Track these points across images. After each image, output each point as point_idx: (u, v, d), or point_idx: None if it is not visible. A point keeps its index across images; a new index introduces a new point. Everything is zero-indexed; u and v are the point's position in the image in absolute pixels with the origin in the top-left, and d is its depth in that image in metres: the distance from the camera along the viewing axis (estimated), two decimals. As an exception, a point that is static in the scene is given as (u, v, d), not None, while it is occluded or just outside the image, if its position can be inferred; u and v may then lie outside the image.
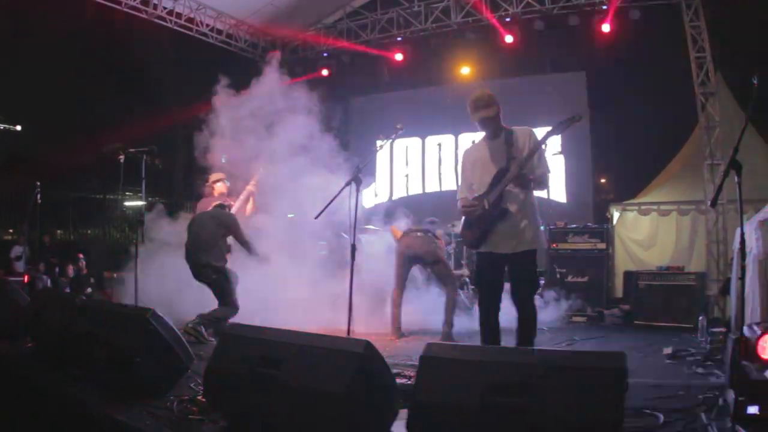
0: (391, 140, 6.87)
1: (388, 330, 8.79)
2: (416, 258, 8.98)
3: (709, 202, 11.22)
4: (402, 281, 8.99)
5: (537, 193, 5.53)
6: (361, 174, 5.72)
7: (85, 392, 4.77)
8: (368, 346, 3.50)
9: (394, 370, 5.07)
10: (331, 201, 5.99)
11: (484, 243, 5.32)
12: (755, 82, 3.96)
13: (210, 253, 7.80)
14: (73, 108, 16.33)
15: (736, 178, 3.83)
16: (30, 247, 12.18)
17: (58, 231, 13.11)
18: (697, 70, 11.78)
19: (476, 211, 5.32)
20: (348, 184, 5.72)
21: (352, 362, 3.44)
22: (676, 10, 12.02)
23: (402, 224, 9.44)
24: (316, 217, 6.20)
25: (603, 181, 15.23)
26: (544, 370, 3.07)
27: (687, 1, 11.85)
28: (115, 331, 4.96)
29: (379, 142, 6.76)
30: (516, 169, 5.12)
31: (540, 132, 5.31)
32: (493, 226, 5.26)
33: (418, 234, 8.98)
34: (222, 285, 7.80)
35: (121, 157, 7.74)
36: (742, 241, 3.82)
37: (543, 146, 5.36)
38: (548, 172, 5.40)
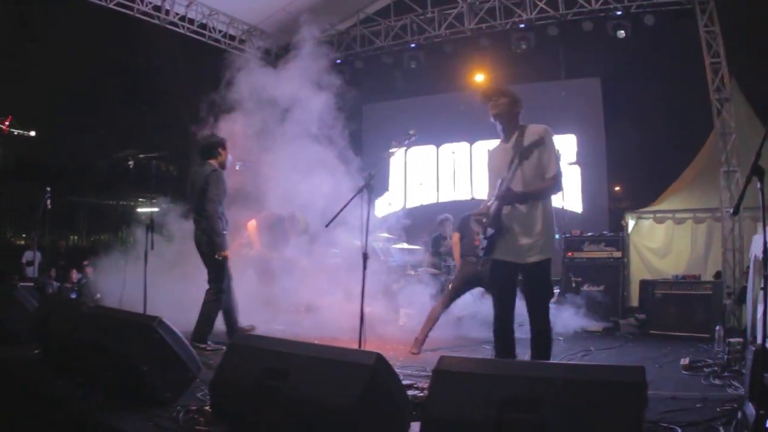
0: (404, 146, 6.76)
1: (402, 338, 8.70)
2: (478, 279, 8.47)
3: (726, 210, 11.13)
4: (451, 299, 8.55)
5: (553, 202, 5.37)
6: (372, 181, 5.65)
7: (90, 400, 4.72)
8: (379, 358, 3.42)
9: (407, 381, 5.00)
10: (342, 208, 5.94)
11: (493, 252, 5.22)
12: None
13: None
14: (85, 114, 16.35)
15: (758, 185, 3.73)
16: (41, 252, 12.19)
17: (72, 236, 13.11)
18: (712, 75, 11.67)
19: (483, 221, 5.24)
20: (359, 191, 5.66)
21: (361, 375, 3.35)
22: (691, 16, 11.92)
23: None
24: (327, 225, 6.14)
25: (618, 188, 15.11)
26: (562, 385, 2.98)
27: (702, 6, 11.76)
28: (121, 339, 4.89)
29: (392, 150, 6.65)
30: (502, 191, 5.03)
31: (557, 139, 5.18)
32: (495, 238, 5.16)
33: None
34: None
35: (131, 163, 7.71)
36: (765, 250, 3.70)
37: (552, 141, 5.19)
38: (560, 174, 5.16)
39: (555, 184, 5.14)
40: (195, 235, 7.60)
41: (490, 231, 5.16)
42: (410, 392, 4.74)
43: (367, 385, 3.30)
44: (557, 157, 5.21)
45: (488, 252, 5.22)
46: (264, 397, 3.69)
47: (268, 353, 3.94)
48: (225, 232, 7.53)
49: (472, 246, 8.30)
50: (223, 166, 7.75)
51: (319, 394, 3.44)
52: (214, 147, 7.76)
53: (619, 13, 12.56)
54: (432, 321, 8.34)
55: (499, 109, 5.26)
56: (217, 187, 7.43)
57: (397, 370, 5.80)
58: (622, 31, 12.51)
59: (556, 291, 10.39)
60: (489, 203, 5.30)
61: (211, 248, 7.43)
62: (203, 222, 7.46)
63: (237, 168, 10.50)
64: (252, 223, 10.29)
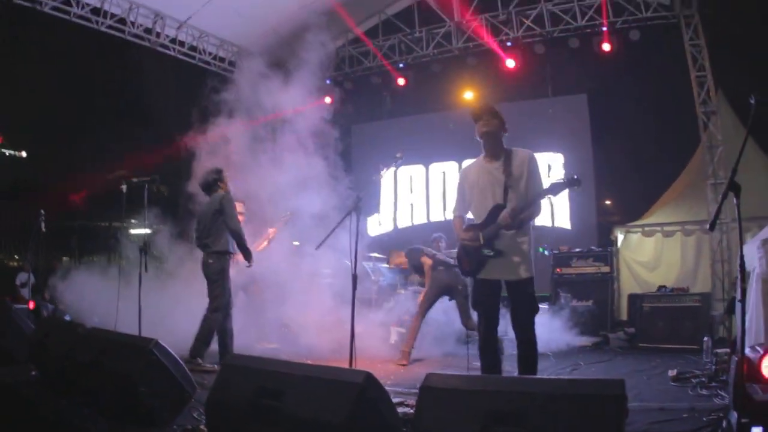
0: (391, 169, 6.90)
1: (393, 356, 8.83)
2: (449, 289, 8.98)
3: (708, 226, 11.23)
4: (426, 310, 9.05)
5: (540, 221, 5.51)
6: (361, 203, 5.75)
7: (88, 421, 4.79)
8: (368, 377, 3.50)
9: (397, 399, 5.09)
10: (332, 231, 6.04)
11: (480, 271, 5.32)
12: (752, 101, 3.97)
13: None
14: (77, 135, 16.41)
15: (734, 200, 3.84)
16: (35, 274, 12.24)
17: (64, 258, 13.15)
18: (698, 89, 11.84)
19: (474, 245, 5.33)
20: (348, 214, 5.75)
21: (351, 393, 3.43)
22: (676, 30, 12.09)
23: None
24: (317, 248, 6.26)
25: (607, 203, 15.20)
26: (544, 399, 3.07)
27: (686, 20, 11.94)
28: (118, 360, 4.96)
29: (381, 174, 6.78)
30: (508, 219, 5.11)
31: (544, 157, 5.31)
32: (486, 261, 5.26)
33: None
34: None
35: (123, 186, 7.82)
36: (742, 263, 3.81)
37: (537, 167, 5.34)
38: (542, 189, 5.29)
39: (536, 209, 5.29)
40: (203, 258, 7.99)
41: (486, 252, 5.26)
42: (401, 409, 4.84)
43: (357, 403, 3.37)
44: (540, 181, 5.36)
45: (475, 272, 5.33)
46: (258, 416, 3.76)
47: (261, 373, 4.01)
48: (232, 252, 7.95)
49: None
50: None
51: (311, 413, 3.52)
52: (215, 183, 8.16)
53: (604, 29, 12.72)
54: (414, 332, 8.87)
55: (489, 127, 5.34)
56: (231, 206, 7.91)
57: (388, 388, 5.87)
58: (608, 45, 12.65)
59: (545, 307, 10.49)
60: (474, 224, 5.41)
61: (216, 270, 7.82)
62: (211, 246, 7.88)
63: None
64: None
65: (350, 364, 5.38)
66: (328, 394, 3.52)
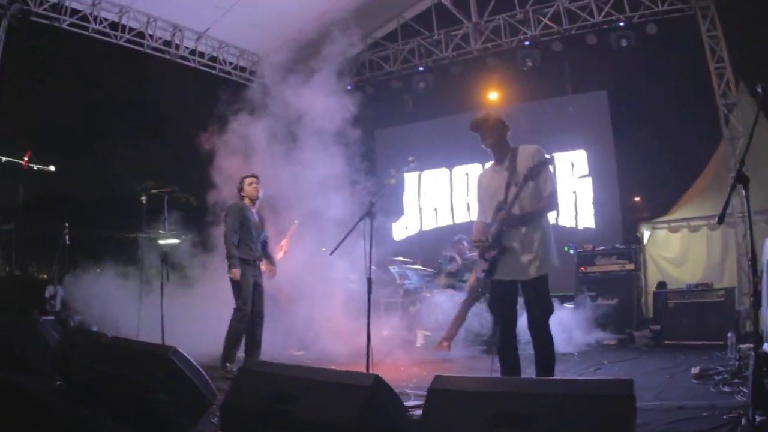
0: (403, 173, 6.94)
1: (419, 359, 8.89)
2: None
3: (738, 216, 11.11)
4: (472, 301, 9.42)
5: (564, 221, 5.50)
6: (374, 208, 5.78)
7: (110, 430, 4.85)
8: (377, 380, 3.55)
9: (417, 402, 5.08)
10: (346, 236, 6.06)
11: (495, 272, 5.32)
12: (759, 90, 3.95)
13: None
14: (102, 147, 16.61)
15: (743, 192, 3.81)
16: (63, 286, 12.42)
17: (90, 270, 13.32)
18: (717, 81, 11.73)
19: (484, 245, 5.34)
20: (362, 219, 5.78)
21: (361, 395, 3.48)
22: (693, 21, 11.99)
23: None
24: (331, 253, 6.30)
25: (632, 200, 15.06)
26: (552, 400, 3.06)
27: (703, 12, 11.83)
28: (138, 369, 5.04)
29: (390, 178, 6.80)
30: (503, 214, 5.14)
31: (567, 156, 5.32)
32: (497, 259, 5.26)
33: None
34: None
35: (144, 198, 7.94)
36: (753, 257, 3.78)
37: (549, 165, 5.31)
38: (555, 191, 5.31)
39: (551, 203, 5.30)
40: None
41: (492, 253, 5.27)
42: (418, 412, 4.84)
43: (365, 406, 3.42)
44: (552, 177, 5.34)
45: (490, 273, 5.33)
46: (272, 420, 3.81)
47: (276, 378, 4.09)
48: (238, 257, 7.93)
49: None
50: (252, 198, 8.31)
51: (322, 416, 3.57)
52: (238, 192, 8.43)
53: (621, 24, 12.67)
54: (458, 320, 9.30)
55: (487, 140, 5.49)
56: (229, 218, 8.08)
57: (410, 391, 5.94)
58: (625, 40, 12.59)
59: (570, 306, 10.45)
60: (487, 226, 5.43)
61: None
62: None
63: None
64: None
65: (367, 368, 5.40)
66: (339, 398, 3.57)
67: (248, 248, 8.04)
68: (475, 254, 9.04)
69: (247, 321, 7.88)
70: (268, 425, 3.82)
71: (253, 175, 8.46)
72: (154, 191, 7.98)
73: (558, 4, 13.21)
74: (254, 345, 8.02)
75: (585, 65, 13.91)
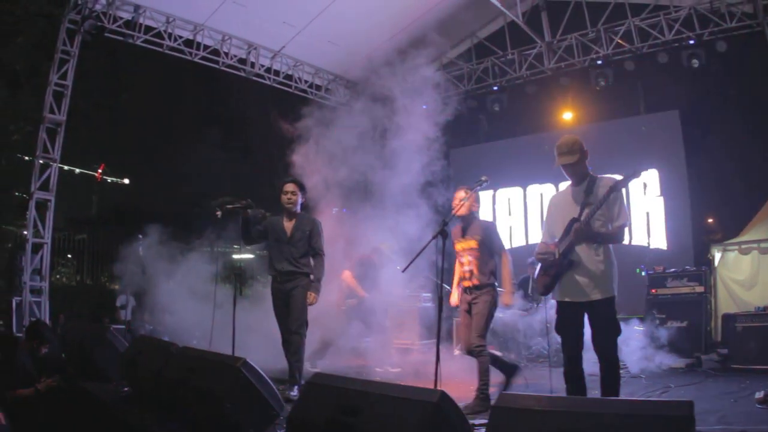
0: (475, 192, 7.01)
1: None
2: None
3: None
4: None
5: (637, 240, 5.48)
6: (447, 227, 5.85)
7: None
8: (443, 396, 3.60)
9: (482, 420, 5.13)
10: (418, 254, 6.11)
11: (558, 291, 5.36)
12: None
13: None
14: (176, 162, 17.09)
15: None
16: (135, 296, 12.82)
17: (164, 281, 13.73)
18: (789, 98, 11.48)
19: (549, 258, 5.38)
20: (434, 237, 5.84)
21: (426, 411, 3.54)
22: (762, 37, 11.77)
23: None
24: (404, 270, 6.38)
25: (703, 221, 14.75)
26: (612, 420, 3.09)
27: (770, 25, 11.62)
28: (206, 378, 5.22)
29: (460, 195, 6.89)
30: (580, 226, 5.16)
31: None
32: (562, 275, 5.29)
33: None
34: None
35: (219, 213, 8.05)
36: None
37: (622, 197, 5.34)
38: (626, 224, 5.34)
39: (619, 234, 5.29)
40: None
41: (556, 268, 5.30)
42: (482, 431, 4.91)
43: (431, 422, 3.49)
44: (626, 211, 5.39)
45: (547, 290, 5.38)
46: (337, 432, 3.92)
47: (341, 391, 4.18)
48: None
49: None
50: (285, 208, 7.97)
51: (387, 430, 3.66)
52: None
53: (692, 42, 12.53)
54: None
55: (563, 161, 5.44)
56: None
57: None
58: (696, 60, 12.44)
59: (640, 329, 10.32)
60: (554, 242, 5.46)
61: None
62: None
63: (333, 212, 10.88)
64: (347, 274, 10.44)
65: (435, 384, 5.46)
66: (404, 412, 3.64)
67: (271, 264, 7.86)
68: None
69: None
70: (335, 437, 3.93)
71: (288, 181, 7.99)
72: (229, 206, 8.13)
73: (629, 22, 13.14)
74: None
75: (657, 84, 13.75)
